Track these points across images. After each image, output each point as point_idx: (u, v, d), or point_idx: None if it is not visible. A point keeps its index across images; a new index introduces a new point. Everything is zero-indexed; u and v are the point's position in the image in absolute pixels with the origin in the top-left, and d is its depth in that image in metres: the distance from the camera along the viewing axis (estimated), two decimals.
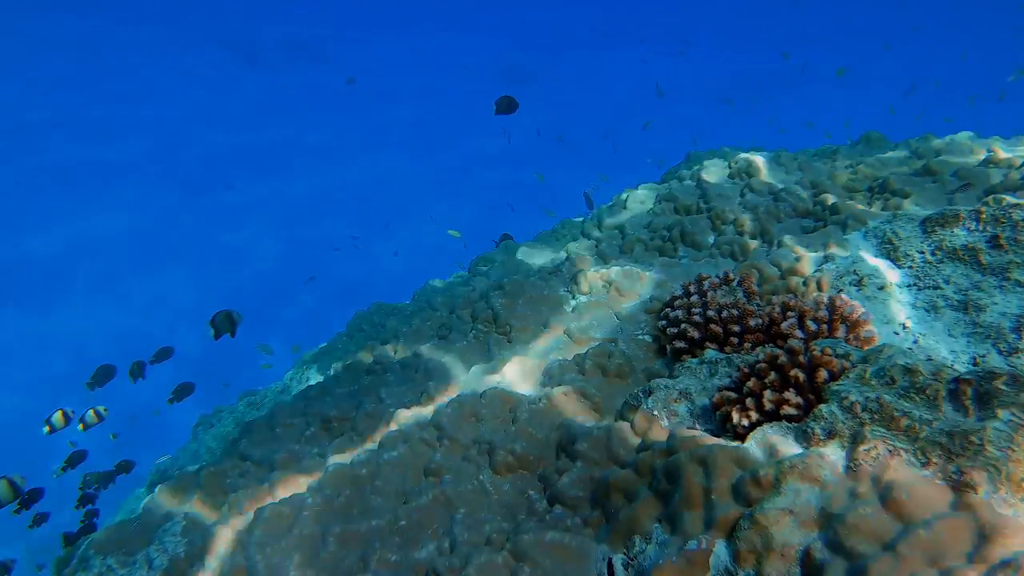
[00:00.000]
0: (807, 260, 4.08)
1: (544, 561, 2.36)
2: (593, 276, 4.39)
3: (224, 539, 3.13)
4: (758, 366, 2.55)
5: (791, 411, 2.39)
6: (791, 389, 2.45)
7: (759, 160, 5.47)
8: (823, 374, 2.39)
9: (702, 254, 4.80)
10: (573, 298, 4.41)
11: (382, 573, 2.66)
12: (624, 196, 6.13)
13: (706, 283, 3.72)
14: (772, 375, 2.50)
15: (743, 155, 5.54)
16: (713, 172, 5.55)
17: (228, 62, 34.54)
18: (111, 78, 31.53)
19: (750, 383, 2.54)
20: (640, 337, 3.88)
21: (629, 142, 29.36)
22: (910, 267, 3.56)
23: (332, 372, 4.97)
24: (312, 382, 6.69)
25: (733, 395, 2.59)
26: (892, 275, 3.58)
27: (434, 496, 2.94)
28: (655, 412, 2.80)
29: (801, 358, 2.48)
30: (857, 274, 3.64)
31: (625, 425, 2.88)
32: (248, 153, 28.75)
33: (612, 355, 3.56)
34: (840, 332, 3.03)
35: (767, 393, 2.47)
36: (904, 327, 3.26)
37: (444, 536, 2.79)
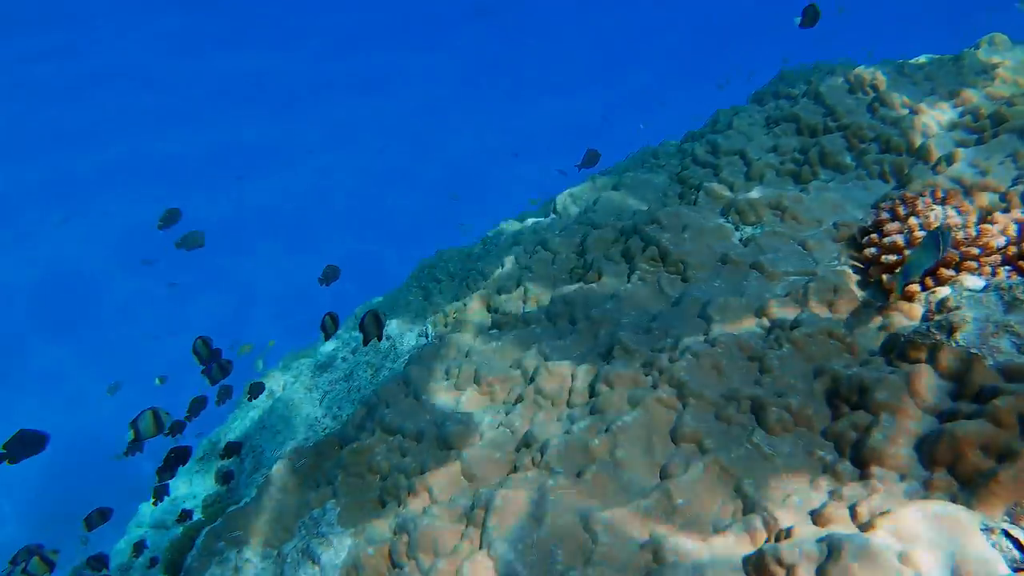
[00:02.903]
0: (993, 175, 3.71)
1: (927, 533, 1.97)
2: (757, 202, 3.93)
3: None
4: None
5: None
6: None
7: (880, 70, 5.02)
8: None
9: (848, 176, 4.38)
10: (737, 229, 3.95)
11: (682, 566, 2.23)
12: (722, 119, 5.63)
13: (920, 202, 3.30)
14: None
15: (863, 68, 5.08)
16: (830, 88, 5.08)
17: None
18: None
19: None
20: (838, 268, 3.46)
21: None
22: None
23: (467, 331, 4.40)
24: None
25: None
26: None
27: (706, 465, 2.51)
28: (975, 350, 2.40)
29: None
30: None
31: (925, 369, 2.48)
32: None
33: (838, 288, 3.13)
34: None
35: None
36: None
37: (739, 515, 2.37)
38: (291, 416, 5.64)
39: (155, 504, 5.60)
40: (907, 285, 2.97)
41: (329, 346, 6.17)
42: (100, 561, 4.29)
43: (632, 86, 29.27)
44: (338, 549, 3.14)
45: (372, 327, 3.80)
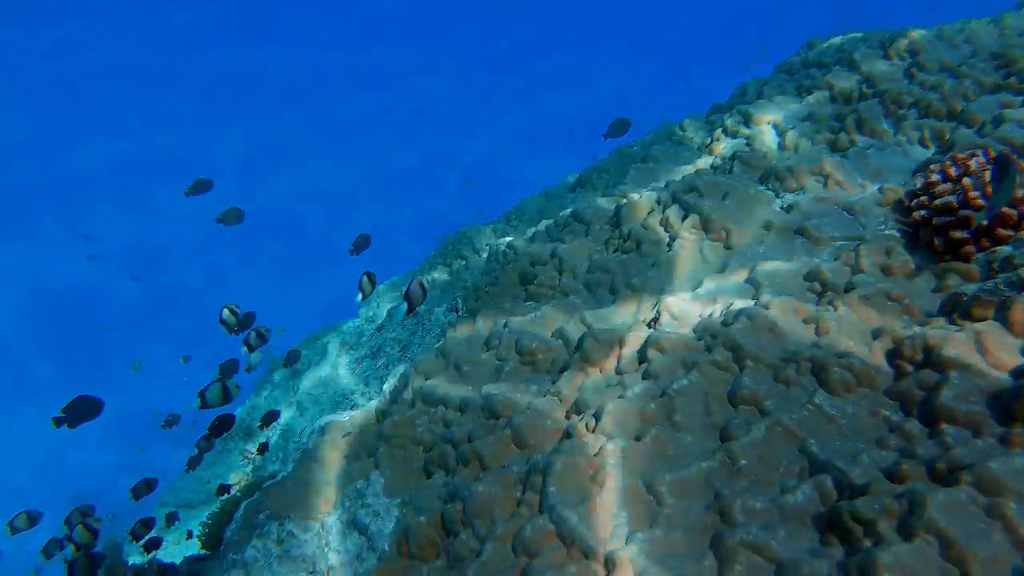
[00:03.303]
0: None
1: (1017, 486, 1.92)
2: (798, 168, 3.86)
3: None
4: None
5: None
6: None
7: (916, 35, 4.92)
8: None
9: (887, 143, 4.30)
10: (777, 196, 3.88)
11: (752, 525, 2.19)
12: (750, 90, 5.55)
13: (973, 163, 3.23)
14: None
15: (899, 32, 4.99)
16: (864, 55, 4.99)
17: None
18: None
19: None
20: (886, 232, 3.40)
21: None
22: None
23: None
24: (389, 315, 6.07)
25: None
26: None
27: (768, 427, 2.46)
28: None
29: None
30: None
31: (995, 325, 2.43)
32: None
33: (891, 251, 3.08)
34: None
35: None
36: None
37: (805, 476, 2.33)
38: (318, 394, 5.61)
39: (188, 471, 5.60)
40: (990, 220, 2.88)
41: (353, 324, 6.14)
42: (147, 525, 4.27)
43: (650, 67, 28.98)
44: (385, 519, 3.12)
45: (419, 295, 3.75)
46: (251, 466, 6.36)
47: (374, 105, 26.81)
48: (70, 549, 3.84)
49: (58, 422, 3.84)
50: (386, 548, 2.95)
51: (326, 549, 3.28)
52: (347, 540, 3.15)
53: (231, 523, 3.95)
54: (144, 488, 4.48)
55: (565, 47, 30.56)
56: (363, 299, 4.53)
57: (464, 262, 5.63)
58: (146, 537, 4.35)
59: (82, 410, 3.88)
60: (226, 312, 4.41)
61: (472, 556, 2.56)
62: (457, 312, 4.89)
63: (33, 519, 4.03)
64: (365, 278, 4.45)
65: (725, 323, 2.89)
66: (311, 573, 3.51)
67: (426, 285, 3.84)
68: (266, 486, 3.95)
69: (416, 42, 31.12)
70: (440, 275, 5.80)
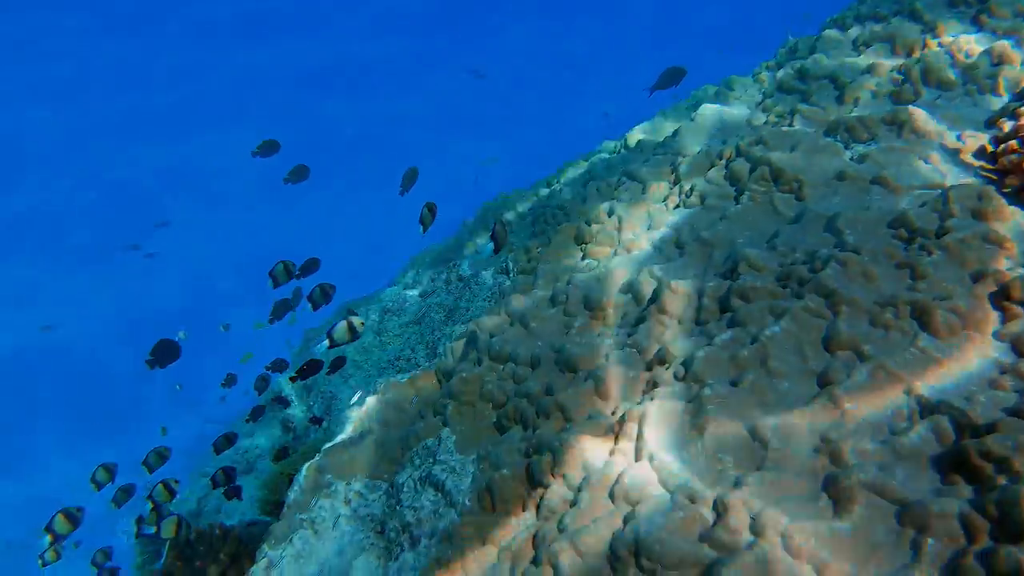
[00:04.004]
0: None
1: None
2: (869, 118, 3.75)
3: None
4: None
5: None
6: None
7: None
8: None
9: (955, 92, 4.17)
10: (847, 147, 3.78)
11: (868, 464, 2.12)
12: (802, 46, 5.41)
13: None
14: None
15: None
16: (928, 3, 4.84)
17: None
18: None
19: None
20: (970, 179, 3.30)
21: None
22: None
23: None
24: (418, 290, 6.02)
25: None
26: None
27: (870, 370, 2.39)
28: None
29: None
30: None
31: None
32: None
33: (983, 195, 2.97)
34: None
35: None
36: None
37: (916, 417, 2.26)
38: (362, 360, 5.58)
39: (248, 421, 5.64)
40: None
41: (393, 291, 6.09)
42: (229, 475, 4.27)
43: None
44: (461, 475, 3.08)
45: (503, 233, 3.70)
46: (292, 434, 6.35)
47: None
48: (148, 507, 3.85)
49: (150, 364, 4.08)
50: (466, 503, 2.90)
51: (397, 507, 3.24)
52: (422, 497, 3.11)
53: (293, 485, 3.92)
54: (224, 443, 4.48)
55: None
56: (496, 251, 4.39)
57: (509, 225, 5.55)
58: (226, 486, 4.35)
59: (167, 351, 4.00)
60: (280, 267, 4.36)
61: (566, 505, 2.51)
62: (507, 274, 4.82)
63: (110, 471, 4.04)
64: (426, 209, 4.30)
65: (813, 270, 2.81)
66: (379, 532, 3.49)
67: (508, 225, 3.78)
68: (327, 447, 3.91)
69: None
70: (483, 239, 5.72)
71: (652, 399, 2.56)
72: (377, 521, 3.45)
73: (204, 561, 3.88)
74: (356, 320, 3.87)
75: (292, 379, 4.61)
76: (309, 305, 4.26)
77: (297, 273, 4.54)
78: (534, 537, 2.45)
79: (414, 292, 5.78)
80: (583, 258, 4.17)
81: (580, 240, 4.31)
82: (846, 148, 3.77)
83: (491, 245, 5.51)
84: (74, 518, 3.87)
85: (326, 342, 4.14)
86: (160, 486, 3.91)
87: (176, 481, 4.00)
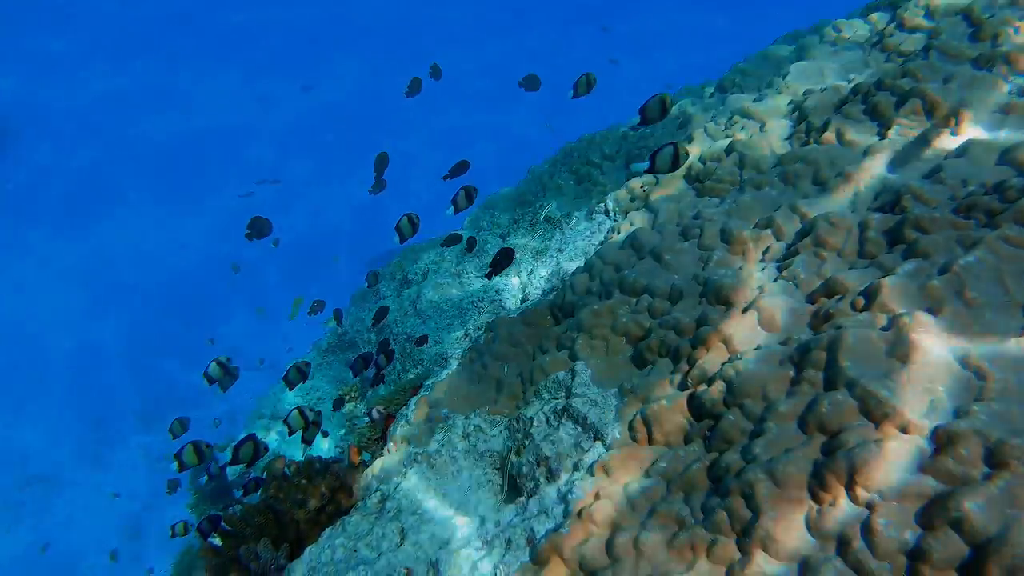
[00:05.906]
0: None
1: None
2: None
3: None
4: None
5: None
6: None
7: None
8: None
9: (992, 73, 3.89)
10: (1007, 80, 3.53)
11: None
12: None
13: None
14: None
15: None
16: None
17: None
18: None
19: None
20: None
21: None
22: None
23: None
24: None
25: None
26: None
27: None
28: None
29: None
30: None
31: None
32: None
33: None
34: None
35: None
36: None
37: None
38: (441, 301, 5.44)
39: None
40: None
41: (468, 234, 5.92)
42: (315, 423, 4.19)
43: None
44: (603, 407, 2.94)
45: (657, 109, 3.58)
46: (359, 377, 6.26)
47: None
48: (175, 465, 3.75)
49: (249, 237, 4.64)
50: (617, 435, 2.78)
51: (527, 441, 3.12)
52: (560, 430, 2.98)
53: (398, 419, 3.82)
54: (297, 375, 4.39)
55: None
56: (455, 212, 4.34)
57: (596, 167, 5.34)
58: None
59: (261, 227, 4.67)
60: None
61: (743, 437, 2.38)
62: (608, 215, 4.64)
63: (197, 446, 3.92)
64: (463, 192, 4.27)
65: (1005, 199, 2.61)
66: (496, 468, 3.38)
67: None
68: (435, 382, 3.80)
69: None
70: (566, 182, 5.52)
71: (843, 328, 2.39)
72: (496, 457, 3.34)
73: (304, 494, 3.81)
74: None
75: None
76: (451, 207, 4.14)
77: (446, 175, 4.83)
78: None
79: (494, 235, 5.61)
80: (700, 194, 3.98)
81: (697, 178, 4.12)
82: (1006, 80, 3.52)
83: (642, 164, 5.11)
84: (202, 452, 3.83)
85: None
86: (189, 447, 3.83)
87: (208, 446, 3.91)
